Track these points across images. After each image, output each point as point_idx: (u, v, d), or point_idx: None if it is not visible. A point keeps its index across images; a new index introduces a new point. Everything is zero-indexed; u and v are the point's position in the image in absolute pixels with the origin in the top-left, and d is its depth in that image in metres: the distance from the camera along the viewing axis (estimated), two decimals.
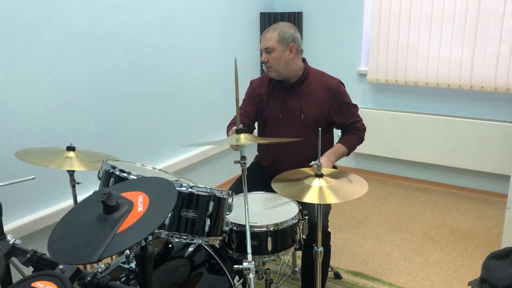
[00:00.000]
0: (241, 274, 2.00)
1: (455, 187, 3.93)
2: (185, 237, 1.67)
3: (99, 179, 1.97)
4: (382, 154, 4.13)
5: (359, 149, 4.24)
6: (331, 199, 1.76)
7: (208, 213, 1.69)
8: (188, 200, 1.68)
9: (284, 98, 2.35)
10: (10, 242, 1.37)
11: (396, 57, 3.90)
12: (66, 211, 2.63)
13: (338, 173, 1.94)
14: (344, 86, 2.39)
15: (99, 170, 1.98)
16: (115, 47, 2.90)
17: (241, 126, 1.67)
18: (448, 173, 3.93)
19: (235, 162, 1.65)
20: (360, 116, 2.45)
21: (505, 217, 2.76)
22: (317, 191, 1.80)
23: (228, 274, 1.95)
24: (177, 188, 1.47)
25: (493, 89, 3.54)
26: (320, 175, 1.81)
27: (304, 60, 2.39)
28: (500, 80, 3.50)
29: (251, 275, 1.42)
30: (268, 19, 4.28)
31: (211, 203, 1.70)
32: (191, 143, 1.91)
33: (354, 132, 2.42)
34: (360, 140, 2.45)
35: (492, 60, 3.51)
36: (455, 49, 3.66)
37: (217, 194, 1.72)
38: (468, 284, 1.89)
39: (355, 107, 2.42)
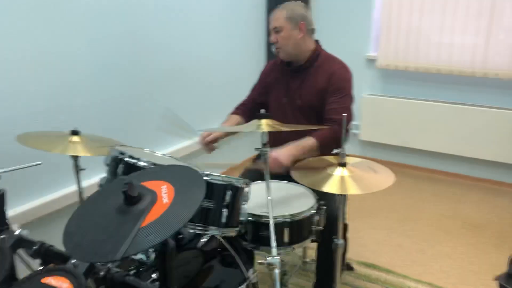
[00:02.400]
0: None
1: (465, 177, 3.85)
2: (200, 228, 1.57)
3: (106, 165, 1.86)
4: (390, 142, 4.04)
5: (367, 136, 4.14)
6: (353, 189, 1.67)
7: (225, 203, 1.59)
8: None
9: (289, 81, 2.23)
10: (17, 233, 1.26)
11: (407, 42, 3.78)
12: (69, 197, 2.58)
13: (363, 163, 1.83)
14: (349, 73, 2.19)
15: (106, 156, 1.87)
16: (117, 28, 2.76)
17: (262, 110, 1.55)
18: (459, 162, 3.84)
19: (256, 149, 1.53)
20: (352, 114, 2.16)
21: None
22: (338, 180, 1.70)
23: (242, 266, 1.86)
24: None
25: (509, 77, 3.43)
26: (343, 164, 1.71)
27: (317, 41, 2.26)
28: None
29: (277, 271, 1.32)
30: (275, 2, 4.13)
31: (228, 193, 1.60)
32: (208, 128, 1.79)
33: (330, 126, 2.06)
34: (335, 140, 1.89)
35: (508, 46, 3.39)
36: (468, 35, 3.54)
37: (234, 183, 1.62)
38: (495, 279, 1.80)
39: (349, 99, 2.15)
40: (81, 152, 2.00)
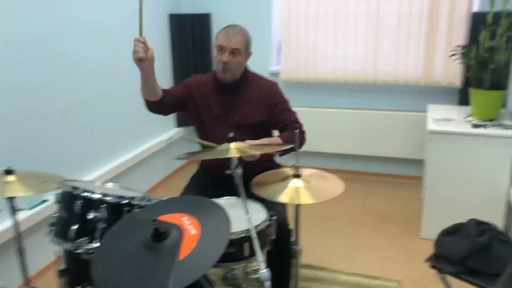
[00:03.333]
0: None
1: (368, 174, 4.29)
2: None
3: (57, 202, 1.80)
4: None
5: None
6: (306, 199, 1.82)
7: None
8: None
9: (226, 99, 2.33)
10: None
11: (306, 56, 4.11)
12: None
13: (317, 174, 2.00)
14: (279, 87, 2.41)
15: (56, 194, 1.80)
16: (27, 57, 2.62)
17: (231, 134, 1.63)
18: (360, 161, 4.26)
19: (228, 173, 1.61)
20: (299, 120, 2.43)
21: (425, 196, 3.10)
22: (293, 191, 1.84)
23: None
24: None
25: (395, 82, 3.93)
26: (297, 176, 1.86)
27: None
28: (400, 74, 3.90)
29: (267, 284, 1.41)
30: (178, 21, 4.19)
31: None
32: (181, 155, 1.77)
33: (291, 131, 2.37)
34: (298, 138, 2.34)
35: (392, 57, 3.88)
36: (360, 48, 3.97)
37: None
38: (426, 261, 2.09)
39: (292, 110, 2.42)
40: (20, 192, 1.88)
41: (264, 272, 1.37)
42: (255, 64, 4.25)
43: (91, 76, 3.16)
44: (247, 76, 2.35)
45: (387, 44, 3.89)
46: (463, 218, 2.16)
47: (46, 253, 2.79)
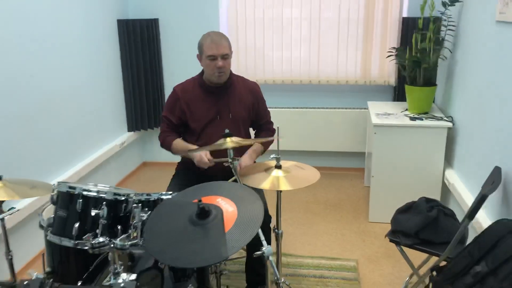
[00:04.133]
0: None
1: (316, 168, 4.58)
2: None
3: (54, 203, 1.87)
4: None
5: None
6: (284, 186, 2.03)
7: None
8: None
9: (216, 99, 2.50)
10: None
11: (254, 59, 4.34)
12: None
13: (295, 165, 2.22)
14: (259, 87, 2.66)
15: (52, 195, 1.87)
16: None
17: (226, 130, 1.80)
18: (310, 156, 4.56)
19: (226, 164, 1.77)
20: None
21: (371, 183, 3.43)
22: (274, 179, 2.04)
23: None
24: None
25: (336, 82, 4.27)
26: (279, 167, 2.06)
27: None
28: (341, 74, 4.25)
29: (271, 258, 1.58)
30: (126, 26, 4.24)
31: None
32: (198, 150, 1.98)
33: (267, 132, 2.70)
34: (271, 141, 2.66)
35: (333, 59, 4.22)
36: (304, 51, 4.27)
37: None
38: (385, 236, 2.39)
39: (268, 110, 2.72)
40: (5, 196, 1.91)
41: (268, 248, 1.55)
42: (201, 69, 4.43)
43: (47, 83, 3.15)
44: (232, 76, 2.53)
45: (328, 47, 4.22)
46: (406, 201, 2.49)
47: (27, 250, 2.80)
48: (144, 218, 1.75)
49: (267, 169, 2.10)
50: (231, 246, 1.00)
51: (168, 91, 4.58)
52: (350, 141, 4.36)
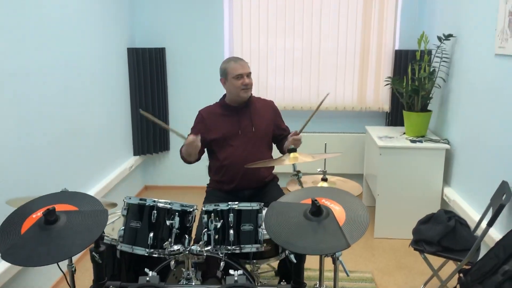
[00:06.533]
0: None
1: None
2: (249, 247, 1.92)
3: (123, 216, 2.01)
4: None
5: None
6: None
7: (259, 224, 1.97)
8: (243, 215, 1.94)
9: (238, 116, 2.73)
10: None
11: (258, 87, 4.59)
12: None
13: (339, 179, 2.46)
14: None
15: (122, 208, 2.01)
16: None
17: (292, 146, 2.02)
18: None
19: (292, 176, 1.98)
20: None
21: (377, 200, 3.69)
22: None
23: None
24: (232, 206, 1.83)
25: (334, 108, 4.57)
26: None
27: None
28: (339, 101, 4.56)
29: (341, 258, 1.78)
30: (136, 54, 4.42)
31: (259, 215, 1.98)
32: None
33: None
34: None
35: (331, 86, 4.54)
36: (304, 78, 4.57)
37: (258, 207, 2.01)
38: (409, 246, 2.63)
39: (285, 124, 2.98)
40: None
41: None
42: (208, 96, 4.58)
43: (70, 111, 3.27)
44: (251, 95, 2.77)
45: (328, 76, 4.54)
46: (408, 217, 2.76)
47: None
48: (219, 226, 1.93)
49: (314, 182, 2.32)
50: (350, 236, 1.20)
51: (173, 117, 4.76)
52: (349, 163, 4.64)
